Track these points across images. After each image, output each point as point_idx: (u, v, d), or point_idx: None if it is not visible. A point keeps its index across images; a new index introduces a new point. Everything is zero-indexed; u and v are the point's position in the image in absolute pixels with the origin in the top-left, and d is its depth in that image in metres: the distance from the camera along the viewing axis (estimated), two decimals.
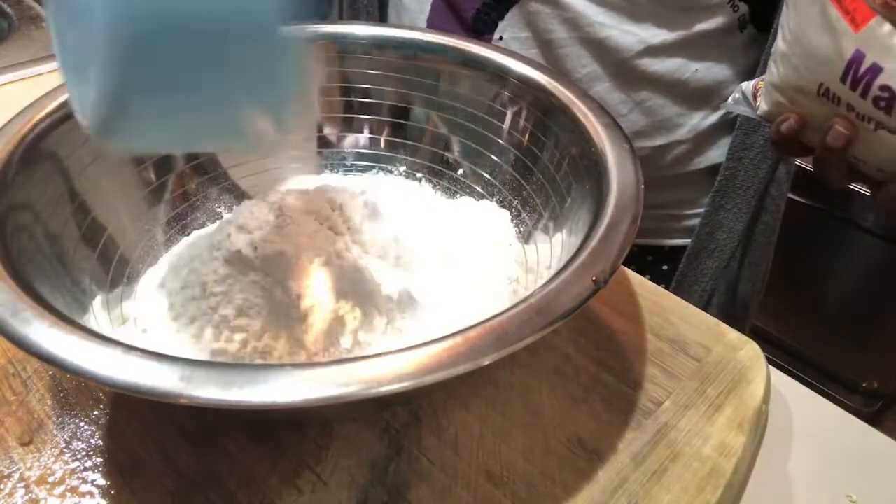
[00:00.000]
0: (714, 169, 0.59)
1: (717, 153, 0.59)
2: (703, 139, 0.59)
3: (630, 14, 0.52)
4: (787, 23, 0.39)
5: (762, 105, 0.43)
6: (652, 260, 0.64)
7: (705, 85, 0.56)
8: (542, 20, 0.54)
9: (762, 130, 0.56)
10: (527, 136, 0.44)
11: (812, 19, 0.37)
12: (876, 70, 0.35)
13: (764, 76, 0.43)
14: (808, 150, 0.41)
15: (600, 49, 0.53)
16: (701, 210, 0.61)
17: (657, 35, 0.53)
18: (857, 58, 0.35)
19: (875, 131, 0.36)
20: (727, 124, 0.58)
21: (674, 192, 0.61)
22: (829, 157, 0.39)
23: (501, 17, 0.55)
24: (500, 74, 0.45)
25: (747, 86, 0.45)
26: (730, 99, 0.47)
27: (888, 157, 0.37)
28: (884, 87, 0.35)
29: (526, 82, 0.43)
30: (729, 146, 0.57)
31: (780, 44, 0.40)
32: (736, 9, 0.53)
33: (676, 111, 0.56)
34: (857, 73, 0.36)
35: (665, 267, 0.64)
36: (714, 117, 0.58)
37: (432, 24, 0.59)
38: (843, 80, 0.36)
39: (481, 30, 0.56)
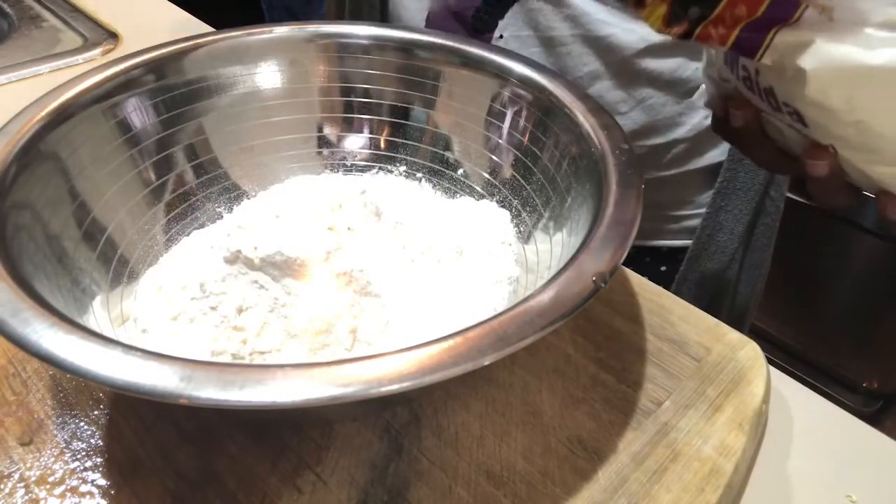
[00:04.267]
0: (713, 169, 0.59)
1: (716, 153, 0.59)
2: (703, 138, 0.58)
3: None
4: None
5: (704, 96, 0.44)
6: (650, 261, 0.64)
7: None
8: (542, 18, 0.54)
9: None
10: (527, 136, 0.44)
11: None
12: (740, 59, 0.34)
13: None
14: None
15: (601, 47, 0.53)
16: (699, 210, 0.61)
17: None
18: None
19: (773, 119, 0.37)
20: None
21: (672, 191, 0.61)
22: (737, 134, 0.40)
23: (502, 16, 0.55)
24: (500, 74, 0.45)
25: None
26: (696, 93, 0.48)
27: (789, 139, 0.37)
28: (745, 68, 0.35)
29: (526, 82, 0.43)
30: (729, 148, 0.57)
31: None
32: None
33: (677, 110, 0.56)
34: (733, 57, 0.35)
35: (663, 268, 0.64)
36: None
37: (431, 23, 0.59)
38: (726, 62, 0.37)
39: (481, 28, 0.56)
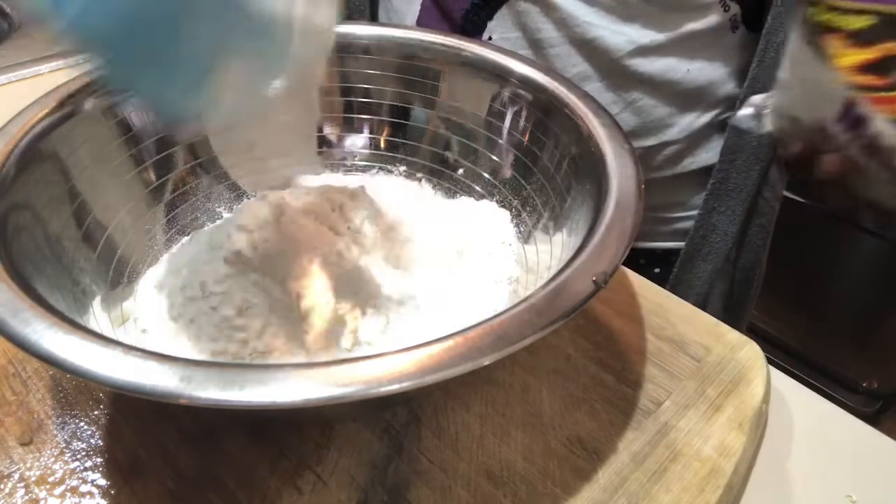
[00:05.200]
0: (705, 171, 0.59)
1: (707, 155, 0.59)
2: (695, 140, 0.58)
3: (620, 14, 0.52)
4: (790, 56, 0.39)
5: (767, 125, 0.43)
6: (644, 263, 0.64)
7: (697, 85, 0.56)
8: (531, 20, 0.54)
9: (753, 133, 0.56)
10: (527, 136, 0.44)
11: (807, 58, 0.36)
12: (865, 119, 0.34)
13: (772, 92, 0.43)
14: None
15: (590, 49, 0.53)
16: (692, 212, 0.61)
17: (647, 35, 0.53)
18: (851, 104, 0.34)
19: (867, 171, 0.36)
20: (718, 125, 0.58)
21: (664, 194, 0.61)
22: (823, 186, 0.39)
23: (490, 18, 0.55)
24: (500, 74, 0.45)
25: (756, 100, 0.45)
26: (740, 112, 0.46)
27: (880, 194, 0.37)
28: (871, 136, 0.34)
29: (526, 82, 0.43)
30: (721, 148, 0.57)
31: (783, 72, 0.40)
32: (727, 9, 0.53)
33: (668, 111, 0.56)
34: (850, 118, 0.35)
35: (657, 270, 0.64)
36: (705, 118, 0.58)
37: (421, 25, 0.59)
38: (839, 121, 0.36)
39: (470, 30, 0.56)
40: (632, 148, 0.37)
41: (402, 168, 0.49)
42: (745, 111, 0.46)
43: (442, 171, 0.48)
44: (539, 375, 0.37)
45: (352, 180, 0.48)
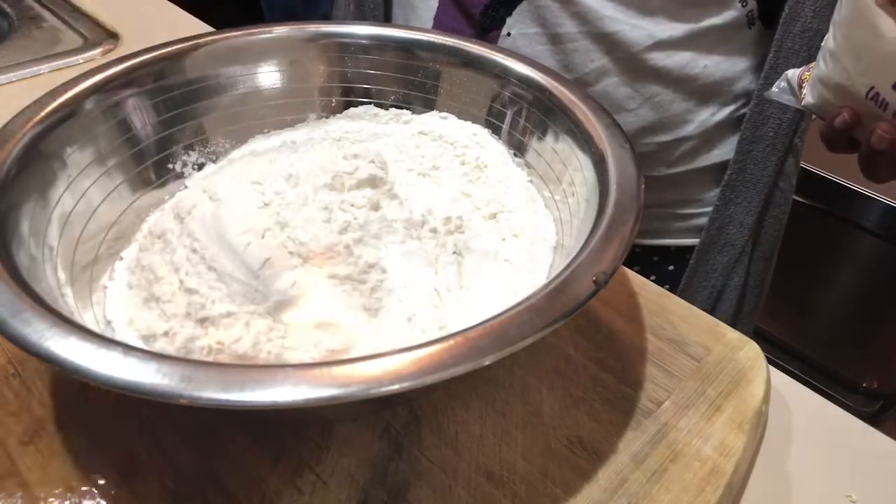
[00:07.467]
0: (720, 166, 0.59)
1: (722, 151, 0.59)
2: (710, 136, 0.59)
3: (639, 8, 0.52)
4: (838, 22, 0.38)
5: (807, 97, 0.42)
6: (658, 260, 0.64)
7: (714, 81, 0.56)
8: (550, 15, 0.54)
9: (770, 123, 0.56)
10: (527, 136, 0.44)
11: (864, 23, 0.35)
12: None
13: (810, 66, 0.42)
14: (855, 147, 0.40)
15: (609, 44, 0.53)
16: (706, 209, 0.61)
17: (666, 29, 0.53)
18: None
19: None
20: (734, 121, 0.58)
21: (679, 190, 0.61)
22: (875, 157, 0.38)
23: (509, 13, 0.55)
24: (500, 74, 0.45)
25: (793, 74, 0.43)
26: (774, 87, 0.45)
27: None
28: None
29: (526, 82, 0.43)
30: (738, 140, 0.57)
31: (829, 41, 0.39)
32: (744, 4, 0.53)
33: (685, 107, 0.56)
34: None
35: (671, 267, 0.64)
36: (722, 114, 0.58)
37: (439, 22, 0.59)
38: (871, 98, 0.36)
39: (488, 26, 0.56)
40: (632, 148, 0.37)
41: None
42: (780, 84, 0.45)
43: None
44: (539, 375, 0.37)
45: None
